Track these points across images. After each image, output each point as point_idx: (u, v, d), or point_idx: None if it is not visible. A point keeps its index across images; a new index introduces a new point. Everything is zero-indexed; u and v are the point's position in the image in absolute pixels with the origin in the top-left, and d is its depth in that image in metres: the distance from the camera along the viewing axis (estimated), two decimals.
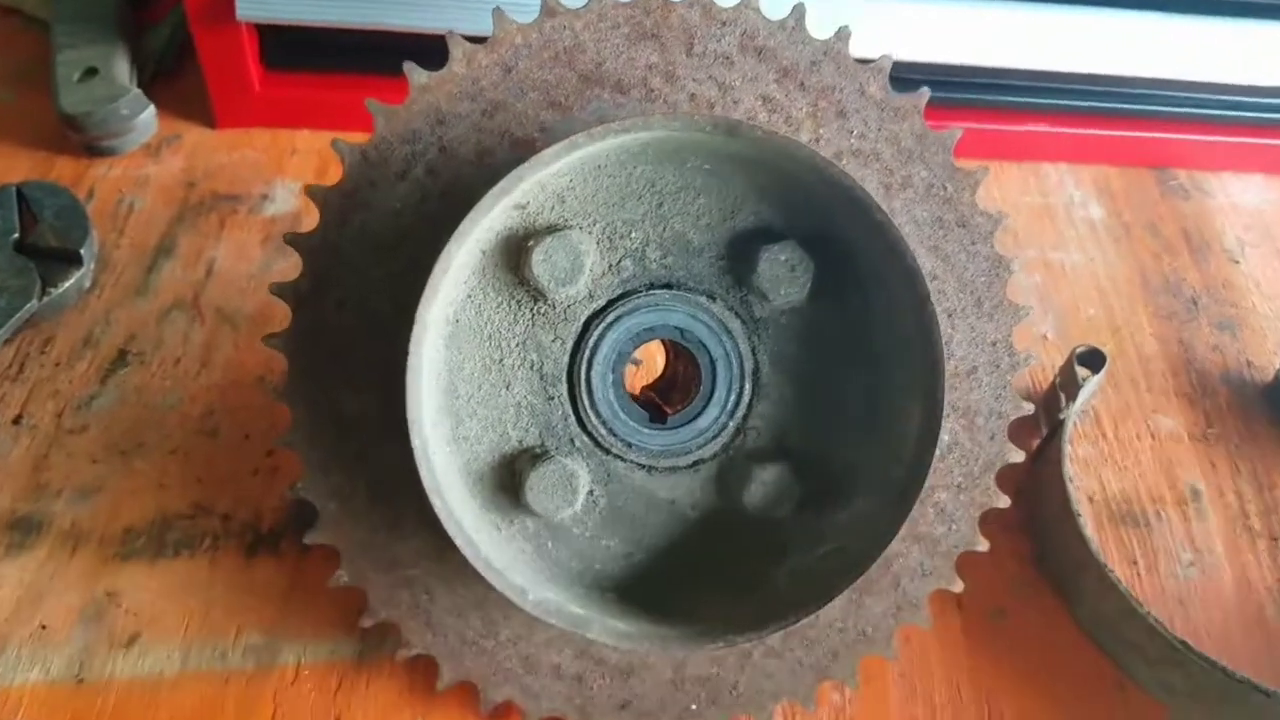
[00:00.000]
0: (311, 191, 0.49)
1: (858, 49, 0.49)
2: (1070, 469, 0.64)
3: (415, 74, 0.48)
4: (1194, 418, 0.73)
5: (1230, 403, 0.74)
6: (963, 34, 0.81)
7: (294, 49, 0.82)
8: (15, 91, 0.85)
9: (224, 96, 0.82)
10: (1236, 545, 0.67)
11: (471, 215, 0.43)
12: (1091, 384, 0.68)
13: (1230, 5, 0.81)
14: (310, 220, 0.76)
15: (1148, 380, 0.75)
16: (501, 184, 0.43)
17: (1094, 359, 0.69)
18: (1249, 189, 0.89)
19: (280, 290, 0.49)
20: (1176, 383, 0.75)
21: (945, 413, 0.50)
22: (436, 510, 0.45)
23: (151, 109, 0.82)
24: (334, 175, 0.79)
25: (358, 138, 0.49)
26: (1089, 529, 0.61)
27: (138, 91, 0.81)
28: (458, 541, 0.45)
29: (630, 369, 0.71)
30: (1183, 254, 0.83)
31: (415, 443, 0.44)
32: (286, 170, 0.81)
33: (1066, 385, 0.68)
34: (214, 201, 0.79)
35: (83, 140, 0.80)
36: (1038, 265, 0.81)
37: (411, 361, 0.44)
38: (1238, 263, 0.83)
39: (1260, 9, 0.82)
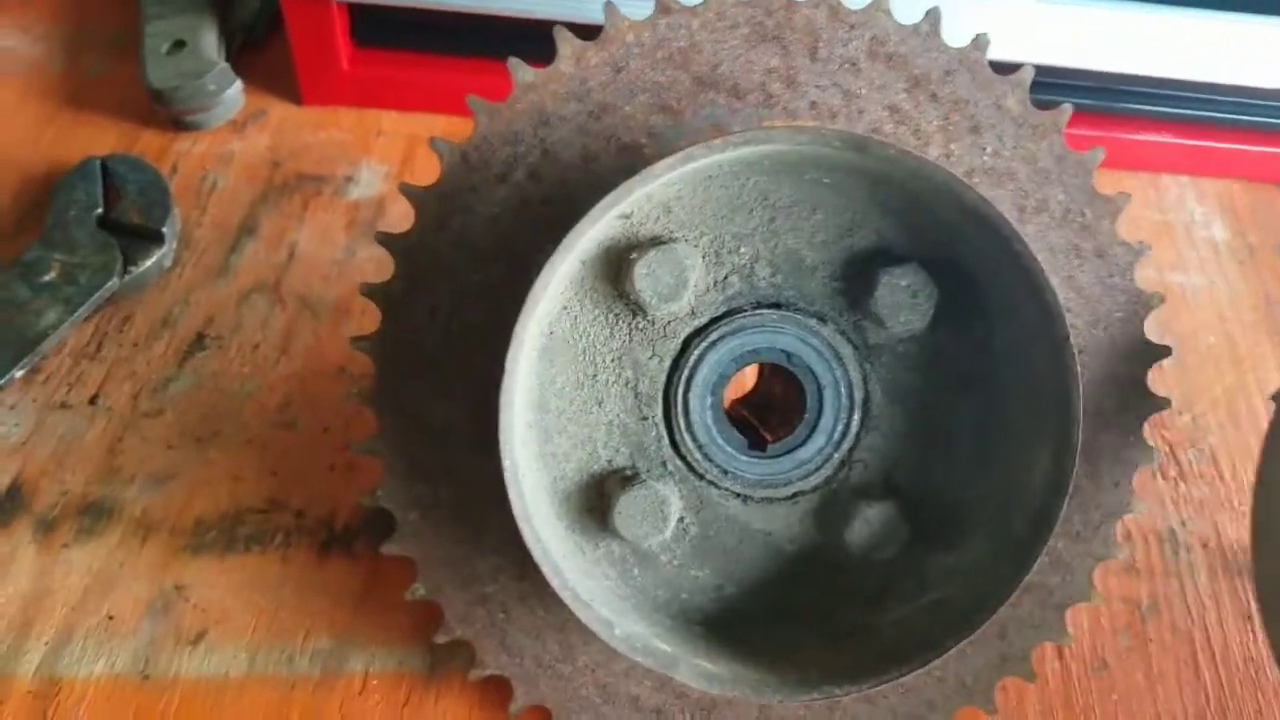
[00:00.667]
0: (407, 191, 0.46)
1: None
2: None
3: (520, 71, 0.45)
4: None
5: None
6: (1085, 37, 0.77)
7: (385, 27, 0.80)
8: (106, 62, 0.84)
9: (311, 73, 0.80)
10: None
11: (577, 228, 0.41)
12: None
13: None
14: (395, 207, 0.75)
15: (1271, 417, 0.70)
16: (610, 196, 0.41)
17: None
18: None
19: (371, 292, 0.47)
20: None
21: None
22: (525, 536, 0.42)
23: (238, 84, 0.80)
24: (420, 159, 0.78)
25: (452, 126, 0.46)
26: None
27: (225, 65, 0.79)
28: (544, 570, 0.43)
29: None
30: None
31: (505, 464, 0.42)
32: (373, 152, 0.79)
33: None
34: (298, 182, 0.77)
35: (169, 114, 0.78)
36: (1154, 287, 0.76)
37: (507, 381, 0.41)
38: None
39: None
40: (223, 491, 0.60)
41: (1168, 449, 0.67)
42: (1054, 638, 0.50)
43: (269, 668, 0.54)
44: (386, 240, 0.47)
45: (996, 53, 0.46)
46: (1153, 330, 0.72)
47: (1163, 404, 0.48)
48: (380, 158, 0.79)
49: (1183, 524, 0.64)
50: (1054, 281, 0.46)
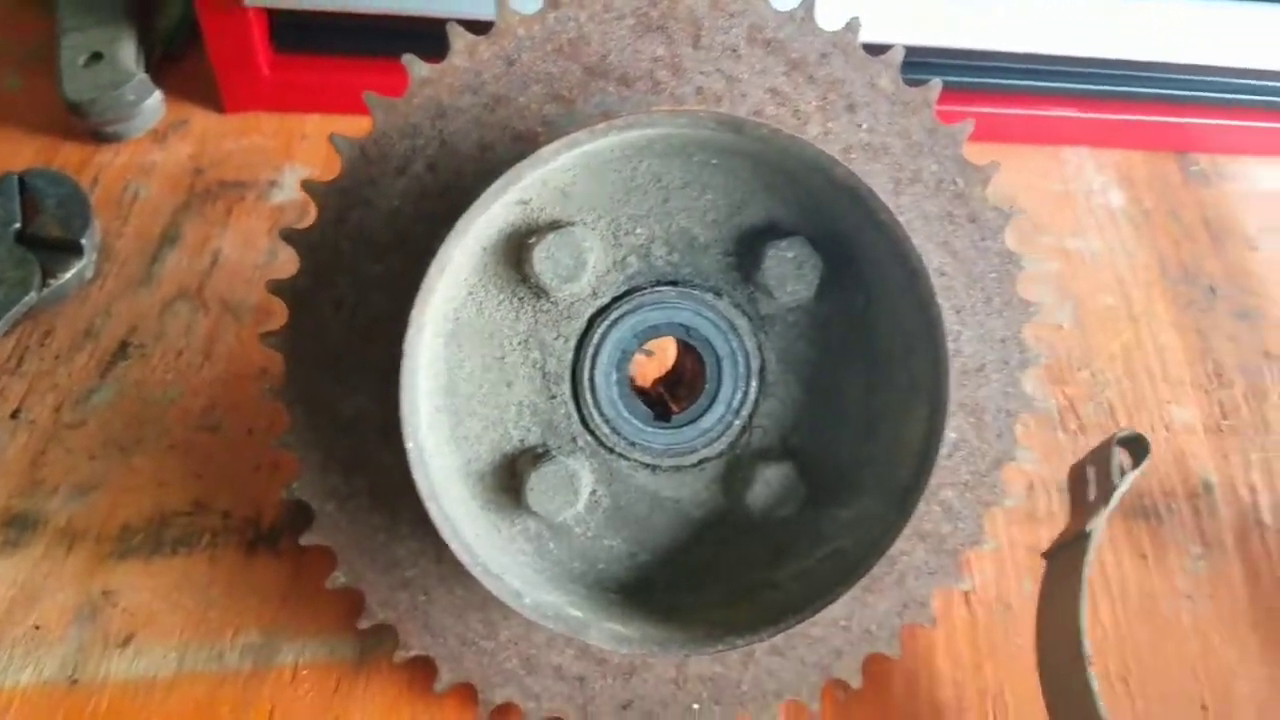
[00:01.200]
0: (309, 187, 0.48)
1: (873, 35, 0.48)
2: (1084, 608, 0.51)
3: (415, 66, 0.47)
4: (1209, 409, 0.72)
5: (1246, 394, 0.73)
6: (983, 18, 0.80)
7: (304, 32, 0.81)
8: (22, 76, 0.84)
9: (231, 81, 0.81)
10: (1247, 538, 0.66)
11: (469, 213, 0.42)
12: (1128, 481, 0.54)
13: None
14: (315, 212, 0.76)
15: (1164, 370, 0.73)
16: (499, 181, 0.42)
17: (1138, 447, 0.55)
18: (1271, 174, 0.87)
19: (278, 288, 0.49)
20: (1193, 372, 0.73)
21: (952, 411, 0.50)
22: (431, 514, 0.44)
23: (158, 94, 0.81)
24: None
25: (363, 126, 0.48)
26: (1097, 685, 0.49)
27: (144, 76, 0.80)
28: (452, 545, 0.45)
29: (641, 359, 0.71)
30: (1203, 241, 0.82)
31: (409, 445, 0.44)
32: (296, 156, 0.80)
33: (1100, 474, 0.56)
34: (221, 189, 0.78)
35: (88, 126, 0.79)
36: (1056, 253, 0.79)
37: (406, 364, 0.43)
38: (1257, 250, 0.82)
39: None
40: (147, 497, 0.61)
41: (1068, 403, 0.70)
42: (951, 582, 0.53)
43: (198, 665, 0.55)
44: (290, 236, 0.48)
45: (891, 38, 0.49)
46: (1052, 293, 0.77)
47: (1038, 357, 0.51)
48: (304, 161, 0.80)
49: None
50: (929, 246, 0.49)
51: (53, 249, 0.69)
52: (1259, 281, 0.80)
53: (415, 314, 0.43)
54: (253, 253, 0.74)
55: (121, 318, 0.69)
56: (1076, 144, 0.87)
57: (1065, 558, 0.54)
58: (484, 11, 0.48)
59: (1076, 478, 0.58)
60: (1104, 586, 0.63)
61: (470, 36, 0.47)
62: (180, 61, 0.86)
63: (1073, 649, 0.50)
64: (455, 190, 0.46)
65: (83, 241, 0.70)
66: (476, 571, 0.45)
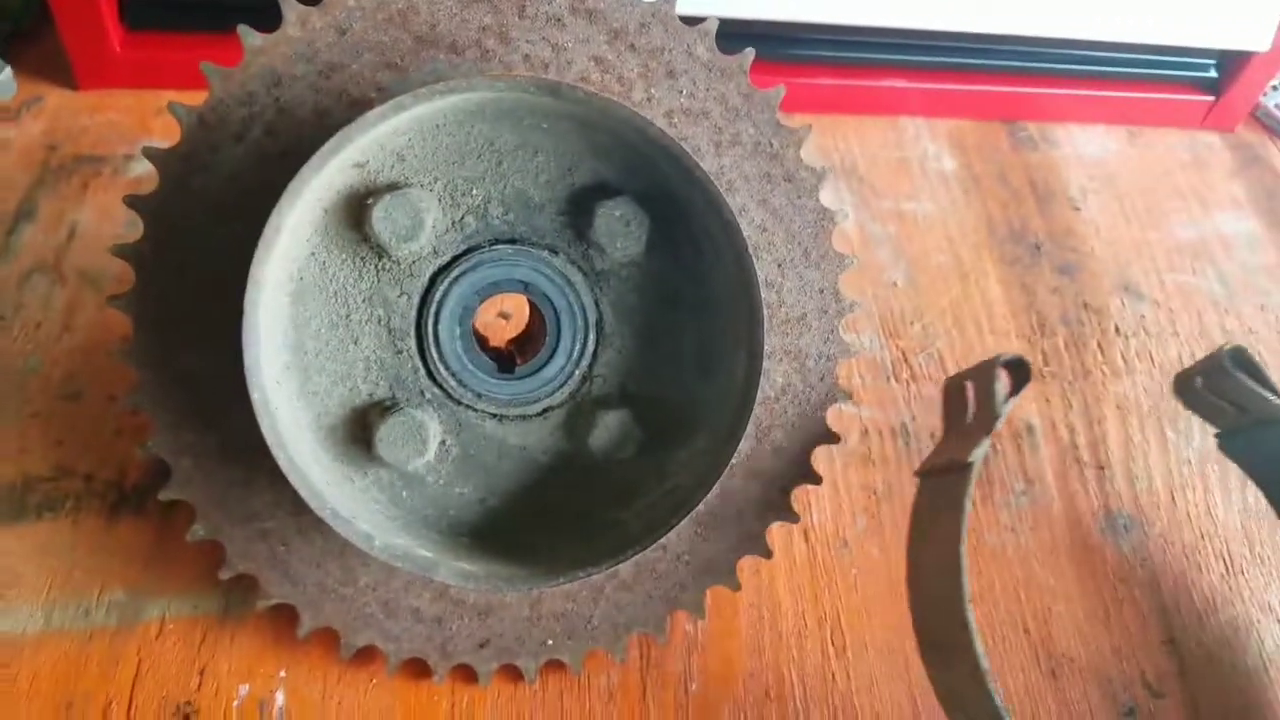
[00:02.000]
0: (149, 153, 0.49)
1: (742, 9, 0.51)
2: (965, 545, 0.49)
3: (249, 36, 0.49)
4: (1032, 357, 0.78)
5: (1067, 342, 0.79)
6: None
7: (155, 8, 0.81)
8: None
9: (84, 57, 0.81)
10: (1066, 475, 0.72)
11: (301, 174, 0.45)
12: (1007, 409, 0.53)
13: None
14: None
15: (991, 323, 0.79)
16: (329, 144, 0.45)
17: (1020, 371, 0.55)
18: (1093, 139, 0.94)
19: (122, 251, 0.50)
20: (1017, 324, 0.80)
21: (778, 357, 0.54)
22: (279, 461, 0.46)
23: (8, 71, 0.80)
24: None
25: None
26: (976, 624, 0.47)
27: None
28: (301, 492, 0.47)
29: (501, 323, 0.74)
30: (1029, 202, 0.88)
31: (255, 396, 0.46)
32: (152, 131, 0.81)
33: (981, 395, 0.54)
34: (76, 164, 0.78)
35: None
36: (892, 216, 0.85)
37: (248, 320, 0.45)
38: (1079, 210, 0.88)
39: None
40: (10, 464, 0.62)
41: (900, 355, 0.75)
42: (784, 518, 0.57)
43: (65, 624, 0.57)
44: (134, 202, 0.50)
45: (762, 11, 0.52)
46: (889, 254, 0.82)
47: (853, 306, 0.55)
48: (160, 135, 0.80)
49: (913, 419, 0.72)
50: (749, 204, 0.53)
51: None
52: (1080, 239, 0.86)
53: (254, 270, 0.45)
54: (110, 224, 0.74)
55: None
56: (913, 114, 0.93)
57: (944, 488, 0.53)
58: None
59: (953, 394, 0.57)
60: None
61: (301, 7, 0.48)
62: (35, 41, 0.85)
63: (953, 585, 0.48)
64: (294, 155, 0.48)
65: None
66: (325, 514, 0.47)
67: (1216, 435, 0.65)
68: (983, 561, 0.67)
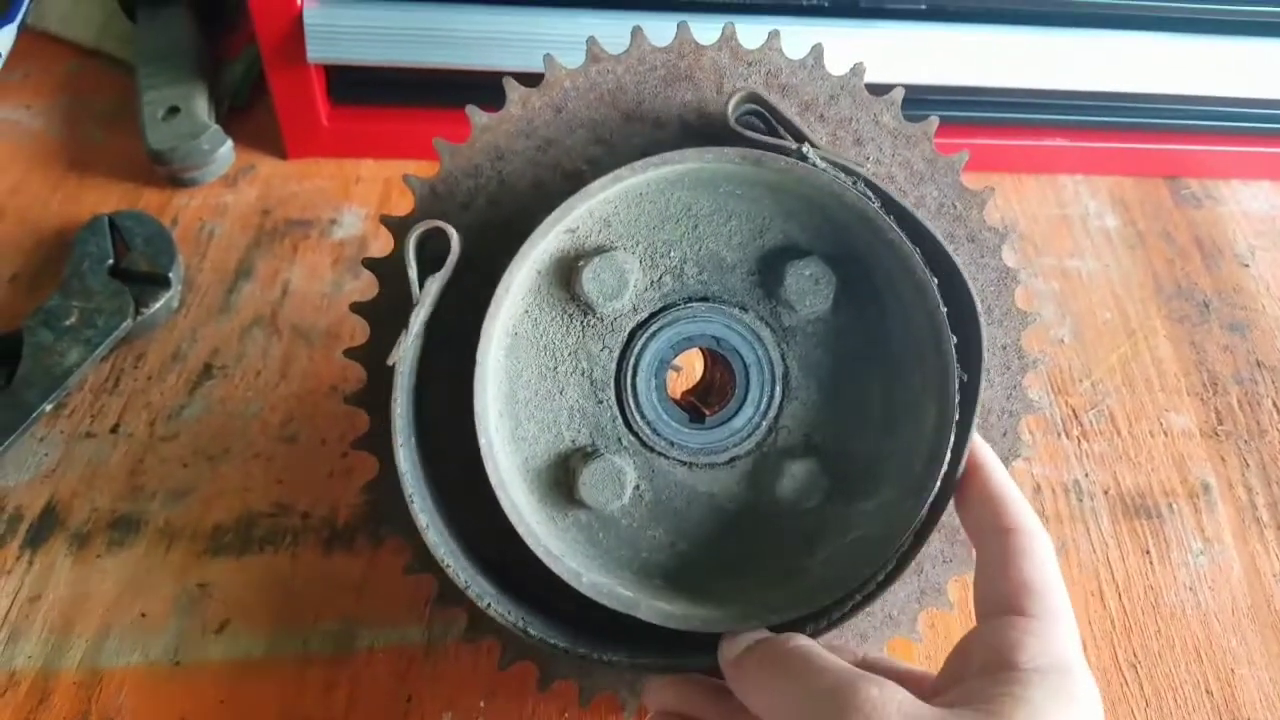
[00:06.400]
0: (387, 221, 0.55)
1: (881, 76, 0.54)
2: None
3: (476, 115, 0.54)
4: (1205, 415, 0.77)
5: (1240, 401, 0.78)
6: (981, 58, 0.86)
7: (358, 86, 0.89)
8: (104, 130, 0.93)
9: (294, 130, 0.89)
10: (1245, 535, 0.71)
11: (530, 240, 0.49)
12: (433, 287, 0.49)
13: (1232, 25, 0.85)
14: (375, 243, 0.84)
15: (1161, 380, 0.79)
16: (555, 213, 0.49)
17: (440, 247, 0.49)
18: (1258, 196, 0.93)
19: (360, 309, 0.55)
20: (1189, 382, 0.79)
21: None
22: (502, 502, 0.50)
23: (229, 143, 0.89)
24: (396, 201, 0.87)
25: (422, 168, 0.54)
26: None
27: (216, 127, 0.88)
28: (520, 530, 0.51)
29: (671, 375, 0.77)
30: (1195, 259, 0.87)
31: (481, 441, 0.50)
32: (353, 197, 0.88)
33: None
34: (287, 227, 0.85)
35: (167, 173, 0.87)
36: (1055, 273, 0.85)
37: (478, 370, 0.50)
38: (1248, 266, 0.87)
39: (1260, 28, 0.86)
40: (235, 500, 0.68)
41: (1071, 412, 0.76)
42: (965, 570, 0.58)
43: (286, 649, 0.62)
44: (372, 264, 0.55)
45: (900, 78, 0.55)
46: (1053, 310, 0.82)
47: (1035, 363, 0.57)
48: (360, 201, 0.88)
49: (1086, 475, 0.72)
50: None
51: (143, 282, 0.77)
52: (1250, 296, 0.85)
53: (486, 325, 0.49)
54: (318, 283, 0.81)
55: (205, 342, 0.77)
56: (1073, 172, 0.93)
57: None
58: (520, 64, 0.54)
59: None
60: (1110, 580, 0.68)
61: (523, 89, 0.53)
62: (248, 114, 0.94)
63: None
64: (514, 221, 0.53)
65: (170, 275, 0.77)
66: (540, 552, 0.51)
67: None
68: (1161, 620, 0.66)
